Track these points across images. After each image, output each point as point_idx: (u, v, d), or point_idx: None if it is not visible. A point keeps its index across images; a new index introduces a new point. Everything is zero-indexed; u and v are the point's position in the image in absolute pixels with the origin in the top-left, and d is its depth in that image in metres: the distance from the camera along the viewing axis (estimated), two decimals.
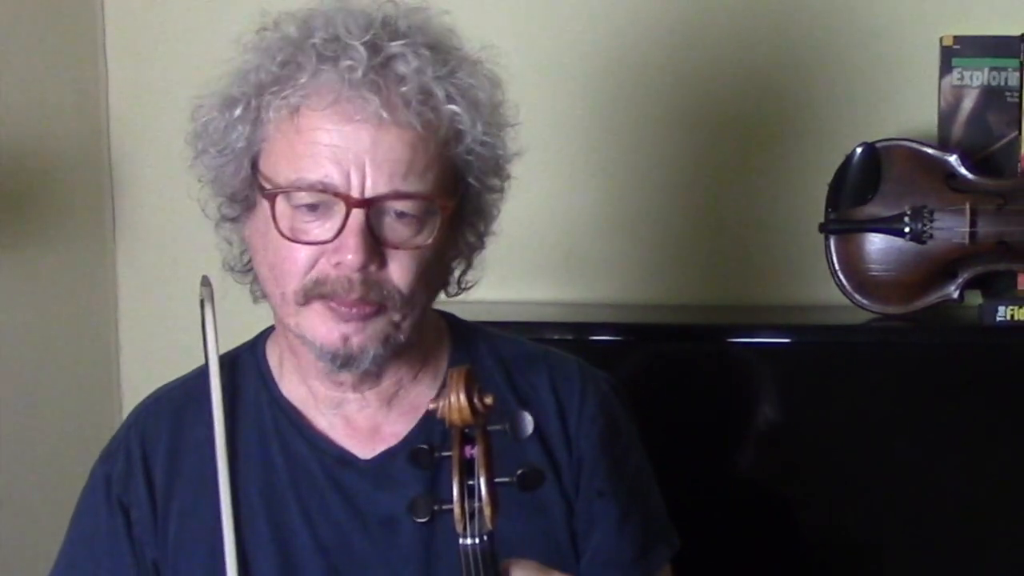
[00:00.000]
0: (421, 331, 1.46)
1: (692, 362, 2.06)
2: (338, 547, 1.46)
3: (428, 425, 1.46)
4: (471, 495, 1.20)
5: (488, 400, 1.20)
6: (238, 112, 1.40)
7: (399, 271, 1.38)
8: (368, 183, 1.35)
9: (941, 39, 2.16)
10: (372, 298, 1.37)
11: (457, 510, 1.20)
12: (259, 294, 1.50)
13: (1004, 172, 2.14)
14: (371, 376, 1.46)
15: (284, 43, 1.39)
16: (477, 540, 1.20)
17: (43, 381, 2.27)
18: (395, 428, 1.49)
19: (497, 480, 1.21)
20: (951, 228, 2.07)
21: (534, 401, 1.51)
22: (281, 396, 1.51)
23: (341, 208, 1.35)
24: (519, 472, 1.22)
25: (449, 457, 1.21)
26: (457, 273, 1.52)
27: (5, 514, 2.15)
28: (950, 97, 2.16)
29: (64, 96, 2.34)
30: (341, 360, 1.40)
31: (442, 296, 1.52)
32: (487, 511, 1.19)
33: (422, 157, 1.37)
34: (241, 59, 1.42)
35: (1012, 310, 2.03)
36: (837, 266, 2.12)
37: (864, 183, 2.10)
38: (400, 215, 1.37)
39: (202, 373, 1.49)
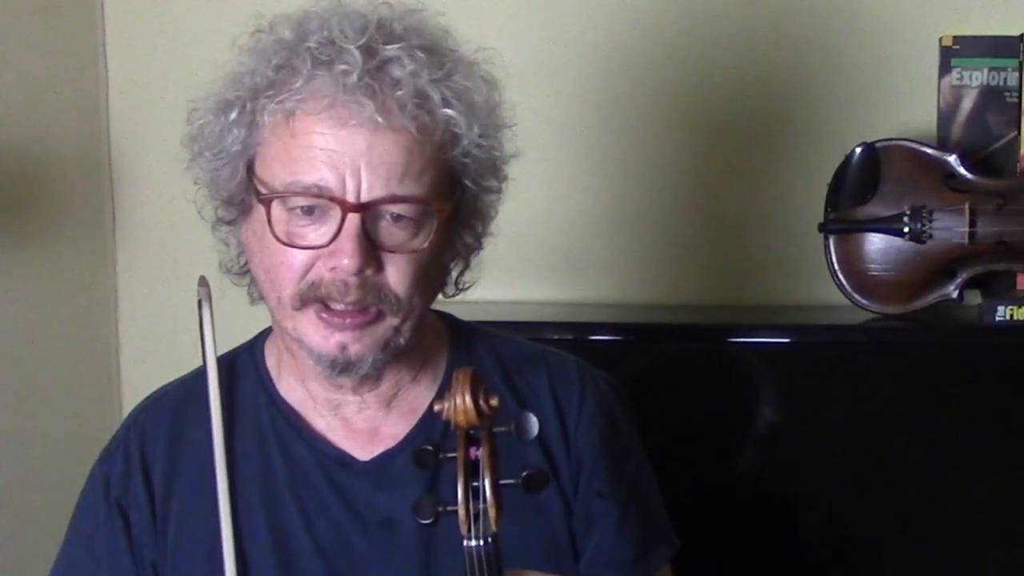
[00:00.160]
0: (420, 333, 1.46)
1: (692, 362, 2.06)
2: (337, 548, 1.46)
3: (427, 426, 1.46)
4: (476, 497, 1.20)
5: (494, 402, 1.20)
6: (233, 116, 1.39)
7: (396, 275, 1.38)
8: (364, 187, 1.35)
9: (940, 39, 2.16)
10: (369, 302, 1.37)
11: (462, 512, 1.20)
12: (256, 296, 1.50)
13: (1003, 172, 2.14)
14: (370, 379, 1.46)
15: (279, 46, 1.39)
16: (481, 542, 1.20)
17: (43, 381, 2.27)
18: (394, 429, 1.49)
19: (502, 482, 1.20)
20: (950, 228, 2.07)
21: (533, 402, 1.51)
22: (279, 397, 1.51)
23: (336, 212, 1.35)
24: (524, 474, 1.21)
25: (452, 458, 1.21)
26: (455, 274, 1.52)
27: (5, 514, 2.15)
28: (949, 97, 2.16)
29: (64, 96, 2.34)
30: (339, 367, 1.40)
31: (440, 296, 1.52)
32: (492, 513, 1.19)
33: (418, 160, 1.37)
34: (236, 62, 1.41)
35: (1011, 310, 2.03)
36: (837, 266, 2.12)
37: (864, 183, 2.10)
38: (396, 218, 1.37)
39: (201, 374, 1.49)
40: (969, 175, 2.08)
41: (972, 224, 2.06)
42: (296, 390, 1.51)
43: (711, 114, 2.29)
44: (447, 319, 1.57)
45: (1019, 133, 2.13)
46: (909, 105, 2.22)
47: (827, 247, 2.12)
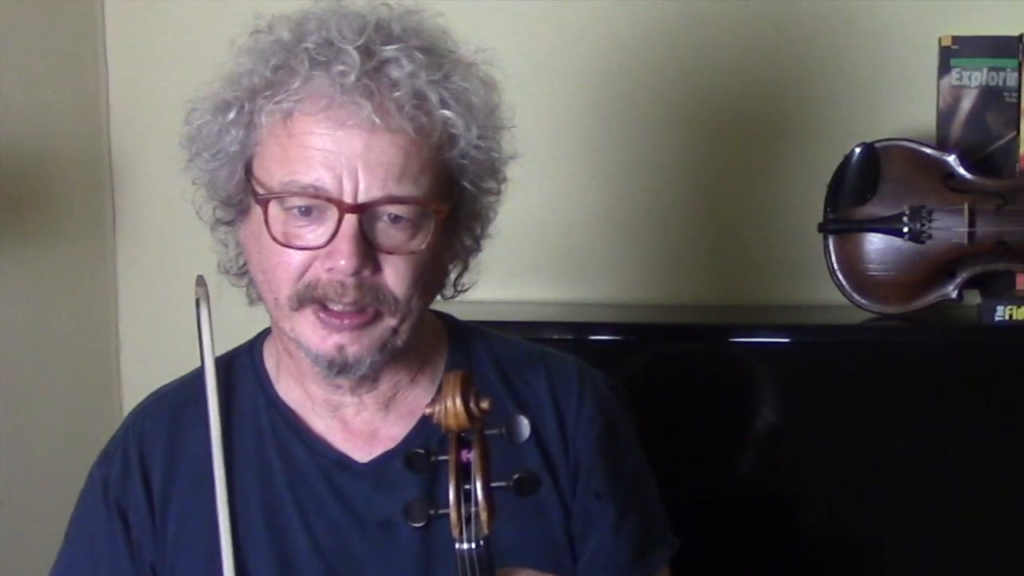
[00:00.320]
0: (419, 334, 1.46)
1: (691, 362, 2.06)
2: (336, 550, 1.46)
3: (426, 428, 1.45)
4: (467, 499, 1.19)
5: (484, 404, 1.20)
6: (231, 116, 1.39)
7: (394, 276, 1.38)
8: (361, 188, 1.35)
9: (940, 39, 2.16)
10: (366, 302, 1.37)
11: (453, 515, 1.19)
12: (255, 296, 1.49)
13: (1003, 172, 2.14)
14: (368, 380, 1.46)
15: (277, 47, 1.39)
16: (473, 545, 1.19)
17: (43, 381, 2.28)
18: (392, 431, 1.49)
19: (494, 485, 1.20)
20: (950, 228, 2.07)
21: (531, 402, 1.51)
22: (278, 398, 1.51)
23: (334, 213, 1.35)
24: (515, 477, 1.21)
25: (444, 461, 1.21)
26: (453, 276, 1.52)
27: (5, 514, 2.16)
28: (949, 97, 2.16)
29: (64, 96, 2.34)
30: (337, 368, 1.40)
31: (438, 297, 1.52)
32: (484, 516, 1.19)
33: (415, 161, 1.37)
34: (234, 62, 1.41)
35: (1011, 310, 2.03)
36: (836, 266, 2.12)
37: (863, 183, 2.10)
38: (394, 220, 1.37)
39: (200, 374, 1.49)
40: (968, 175, 2.09)
41: (971, 224, 2.06)
42: (295, 391, 1.51)
43: (711, 114, 2.29)
44: (446, 320, 1.57)
45: (1018, 133, 2.13)
46: (908, 105, 2.22)
47: (826, 247, 2.12)
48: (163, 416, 1.52)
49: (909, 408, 2.01)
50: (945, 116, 2.17)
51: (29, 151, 2.21)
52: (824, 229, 2.12)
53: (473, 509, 1.19)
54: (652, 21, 2.28)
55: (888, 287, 2.11)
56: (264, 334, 1.56)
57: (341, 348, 1.39)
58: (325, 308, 1.38)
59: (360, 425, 1.49)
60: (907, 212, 2.08)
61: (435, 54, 1.40)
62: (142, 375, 2.36)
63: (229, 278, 1.52)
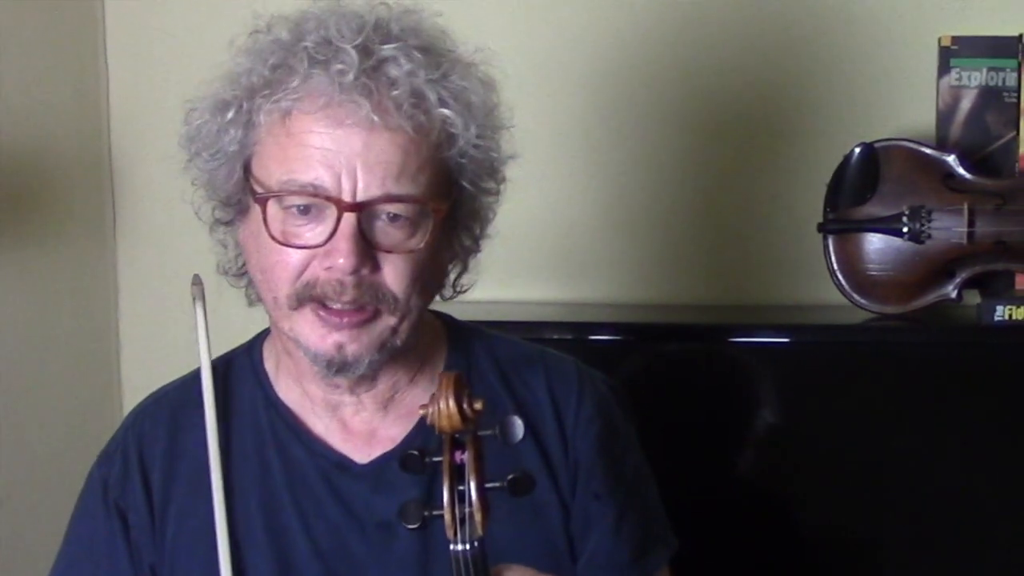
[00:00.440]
0: (417, 334, 1.46)
1: (691, 362, 2.06)
2: (336, 552, 1.46)
3: (425, 429, 1.44)
4: (461, 501, 1.20)
5: (478, 405, 1.20)
6: (230, 115, 1.40)
7: (393, 275, 1.38)
8: (360, 186, 1.35)
9: (939, 39, 2.16)
10: (365, 301, 1.37)
11: (448, 516, 1.20)
12: (254, 298, 1.50)
13: (1002, 172, 2.14)
14: (367, 379, 1.45)
15: (276, 46, 1.39)
16: (468, 546, 1.20)
17: (43, 381, 2.28)
18: (391, 432, 1.48)
19: (488, 485, 1.20)
20: (949, 228, 2.07)
21: (531, 402, 1.51)
22: (277, 399, 1.51)
23: (332, 212, 1.35)
24: (510, 477, 1.21)
25: (440, 462, 1.21)
26: (453, 276, 1.51)
27: (5, 514, 2.16)
28: (948, 97, 2.16)
29: (65, 96, 2.34)
30: (336, 367, 1.40)
31: (437, 298, 1.52)
32: (478, 517, 1.19)
33: (414, 160, 1.37)
34: (233, 62, 1.42)
35: (1010, 310, 2.03)
36: (836, 266, 2.12)
37: (863, 183, 2.10)
38: (393, 218, 1.37)
39: (198, 374, 1.49)
40: (968, 175, 2.09)
41: (971, 224, 2.06)
42: (294, 391, 1.50)
43: (711, 114, 2.29)
44: (445, 320, 1.57)
45: (1018, 133, 2.13)
46: (908, 105, 2.22)
47: (826, 247, 2.12)
48: (163, 417, 1.52)
49: (909, 408, 2.01)
50: (945, 116, 2.17)
51: (29, 151, 2.21)
52: (824, 229, 2.12)
53: (467, 510, 1.19)
54: (652, 21, 2.28)
55: (888, 287, 2.11)
56: (263, 334, 1.56)
57: (340, 347, 1.39)
58: (324, 307, 1.38)
59: (359, 425, 1.49)
60: (907, 212, 2.08)
61: (434, 53, 1.40)
62: (142, 375, 2.36)
63: (228, 279, 1.52)
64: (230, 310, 1.54)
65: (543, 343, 1.62)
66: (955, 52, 2.15)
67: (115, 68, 2.42)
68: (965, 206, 2.06)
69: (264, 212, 1.38)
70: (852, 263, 2.11)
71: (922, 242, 2.08)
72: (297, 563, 1.46)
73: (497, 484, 1.21)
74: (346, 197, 1.35)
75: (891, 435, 2.00)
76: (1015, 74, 2.13)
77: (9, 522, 2.16)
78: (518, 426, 1.22)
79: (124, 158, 2.42)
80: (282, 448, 1.49)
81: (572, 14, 2.30)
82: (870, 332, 2.09)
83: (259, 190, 1.39)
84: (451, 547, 1.20)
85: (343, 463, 1.48)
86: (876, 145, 2.10)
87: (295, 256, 1.37)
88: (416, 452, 1.22)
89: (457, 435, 1.21)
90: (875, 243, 2.10)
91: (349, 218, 1.35)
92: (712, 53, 2.28)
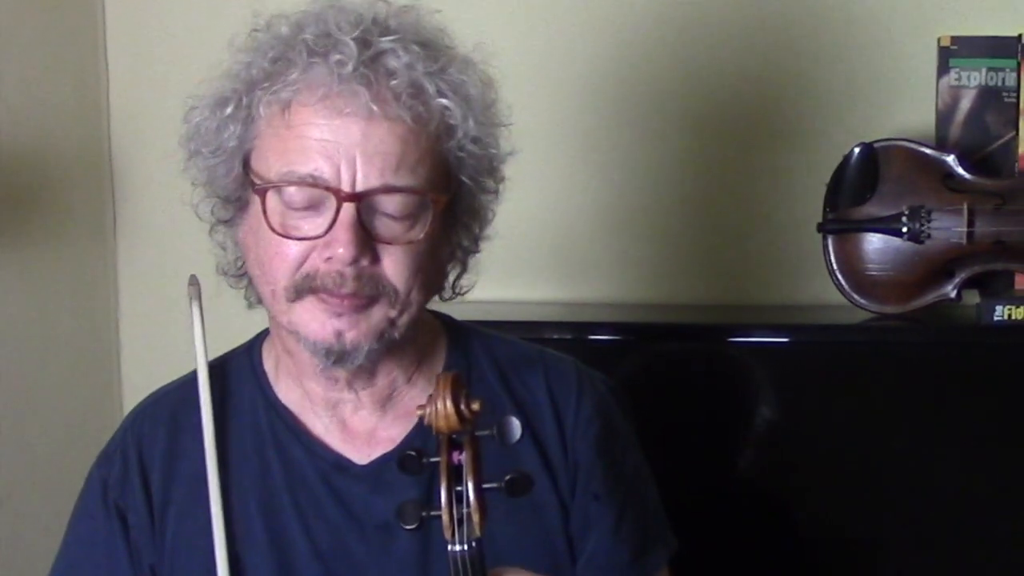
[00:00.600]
0: (416, 331, 1.46)
1: (691, 362, 2.06)
2: (335, 553, 1.46)
3: (424, 430, 1.44)
4: (459, 501, 1.20)
5: (475, 406, 1.20)
6: (229, 110, 1.40)
7: (393, 266, 1.38)
8: (359, 177, 1.35)
9: (939, 40, 2.16)
10: (365, 292, 1.37)
11: (445, 517, 1.20)
12: (253, 300, 1.50)
13: (1002, 172, 2.14)
14: (365, 372, 1.45)
15: (276, 41, 1.40)
16: (465, 547, 1.20)
17: (44, 380, 2.28)
18: (391, 432, 1.48)
19: (485, 486, 1.20)
20: (949, 228, 2.07)
21: (530, 403, 1.51)
22: (277, 400, 1.51)
23: (332, 203, 1.35)
24: (507, 478, 1.21)
25: (436, 463, 1.21)
26: (452, 277, 1.52)
27: (5, 513, 2.16)
28: (948, 97, 2.16)
29: (65, 96, 2.34)
30: (335, 356, 1.39)
31: (437, 298, 1.52)
32: (475, 517, 1.19)
33: (413, 151, 1.37)
34: (232, 60, 1.42)
35: (1010, 309, 2.03)
36: (835, 266, 2.12)
37: (862, 183, 2.10)
38: (392, 215, 1.37)
39: (197, 375, 1.49)
40: (967, 175, 2.09)
41: (970, 224, 2.06)
42: (294, 392, 1.51)
43: (710, 114, 2.29)
44: (444, 320, 1.57)
45: (1017, 133, 2.13)
46: (907, 105, 2.22)
47: (826, 247, 2.12)
48: (162, 417, 1.52)
49: (908, 408, 2.01)
50: (944, 116, 2.17)
51: (29, 151, 2.21)
52: (823, 229, 2.12)
53: (465, 511, 1.19)
54: (652, 21, 2.28)
55: (887, 287, 2.11)
56: (263, 335, 1.56)
57: (340, 334, 1.38)
58: (325, 293, 1.38)
59: (358, 424, 1.49)
60: (906, 212, 2.08)
61: (432, 48, 1.41)
62: (142, 375, 2.36)
63: (227, 279, 1.52)
64: (229, 311, 1.54)
65: (542, 343, 1.62)
66: (954, 52, 2.15)
67: (115, 68, 2.42)
68: (964, 206, 2.06)
69: (264, 204, 1.38)
70: (852, 263, 2.11)
71: (922, 242, 2.08)
72: (297, 564, 1.46)
73: (495, 485, 1.21)
74: (345, 187, 1.35)
75: (890, 435, 2.00)
76: (1014, 74, 2.13)
77: (9, 522, 2.16)
78: (515, 426, 1.22)
79: (124, 158, 2.42)
80: (281, 449, 1.49)
81: (572, 14, 2.30)
82: (869, 332, 2.10)
83: (258, 182, 1.39)
84: (448, 548, 1.20)
85: (342, 464, 1.48)
86: (876, 145, 2.10)
87: (294, 248, 1.38)
88: (414, 453, 1.22)
89: (454, 436, 1.21)
90: (875, 243, 2.10)
91: (348, 208, 1.35)
92: (712, 53, 2.28)
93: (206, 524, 1.45)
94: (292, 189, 1.37)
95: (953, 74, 2.16)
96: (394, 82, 1.36)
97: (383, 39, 1.38)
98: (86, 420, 2.35)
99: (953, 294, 2.09)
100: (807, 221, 2.16)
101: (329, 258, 1.36)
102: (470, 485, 1.19)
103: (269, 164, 1.39)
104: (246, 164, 1.41)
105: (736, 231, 2.31)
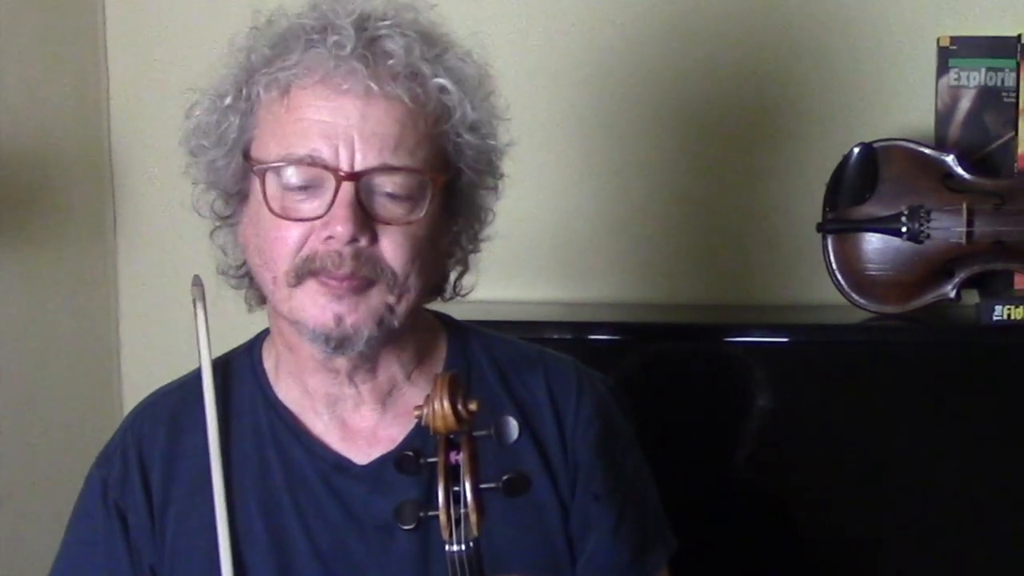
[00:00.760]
0: (416, 324, 1.47)
1: (690, 361, 2.06)
2: (335, 553, 1.46)
3: (424, 430, 1.44)
4: (457, 501, 1.20)
5: (472, 406, 1.20)
6: (229, 101, 1.41)
7: (391, 248, 1.38)
8: (357, 157, 1.36)
9: (938, 40, 2.16)
10: (364, 274, 1.37)
11: (443, 517, 1.20)
12: (254, 302, 1.51)
13: (1001, 172, 2.14)
14: (366, 364, 1.45)
15: (275, 32, 1.42)
16: (463, 547, 1.20)
17: (44, 380, 2.28)
18: (390, 432, 1.48)
19: (483, 486, 1.20)
20: (948, 228, 2.07)
21: (530, 403, 1.51)
22: (277, 400, 1.51)
23: (331, 184, 1.36)
24: (505, 478, 1.21)
25: (433, 463, 1.21)
26: (453, 277, 1.52)
27: (5, 513, 2.16)
28: (947, 97, 2.17)
29: (65, 96, 2.34)
30: (335, 341, 1.39)
31: (437, 298, 1.53)
32: (473, 517, 1.19)
33: (411, 134, 1.38)
34: (232, 56, 1.44)
35: (1009, 309, 2.03)
36: (835, 266, 2.12)
37: (861, 183, 2.10)
38: (391, 196, 1.38)
39: (198, 375, 1.49)
40: (967, 175, 2.09)
41: (970, 224, 2.06)
42: (294, 391, 1.51)
43: (709, 114, 2.29)
44: (444, 319, 1.57)
45: (1016, 133, 2.13)
46: (907, 105, 2.23)
47: (825, 247, 2.12)
48: (162, 417, 1.52)
49: (907, 407, 2.01)
50: (943, 116, 2.17)
51: (29, 151, 2.21)
52: (823, 229, 2.12)
53: (462, 511, 1.19)
54: (651, 21, 2.28)
55: (886, 287, 2.11)
56: (263, 335, 1.56)
57: (339, 319, 1.38)
58: (324, 275, 1.38)
59: (359, 422, 1.49)
60: (905, 212, 2.08)
61: (429, 36, 1.43)
62: (142, 375, 2.36)
63: (228, 280, 1.52)
64: (230, 311, 1.54)
65: (542, 343, 1.62)
66: (954, 52, 2.15)
67: (115, 68, 2.42)
68: (964, 206, 2.06)
69: (263, 186, 1.39)
70: (851, 263, 2.11)
71: (921, 242, 2.08)
72: (297, 564, 1.46)
73: (492, 485, 1.21)
74: (344, 167, 1.36)
75: (890, 434, 2.00)
76: (1014, 74, 2.13)
77: (9, 522, 2.16)
78: (513, 426, 1.22)
79: (124, 158, 2.42)
80: (281, 449, 1.49)
81: (572, 13, 2.30)
82: (869, 332, 2.10)
83: (258, 166, 1.40)
84: (446, 548, 1.20)
85: (342, 464, 1.48)
86: (875, 145, 2.10)
87: (294, 231, 1.38)
88: (411, 453, 1.23)
89: (452, 436, 1.21)
90: (874, 243, 2.11)
91: (347, 187, 1.36)
92: (711, 53, 2.28)
93: (206, 524, 1.45)
94: (291, 170, 1.38)
95: (952, 74, 2.16)
96: (391, 62, 1.38)
97: (381, 23, 1.40)
98: (86, 420, 2.35)
99: (952, 294, 2.09)
100: (807, 221, 2.16)
101: (328, 238, 1.37)
102: (467, 485, 1.19)
103: (269, 149, 1.40)
104: (246, 154, 1.42)
105: (736, 231, 2.31)
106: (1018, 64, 2.12)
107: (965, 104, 2.16)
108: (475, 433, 1.22)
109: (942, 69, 2.16)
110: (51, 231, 2.28)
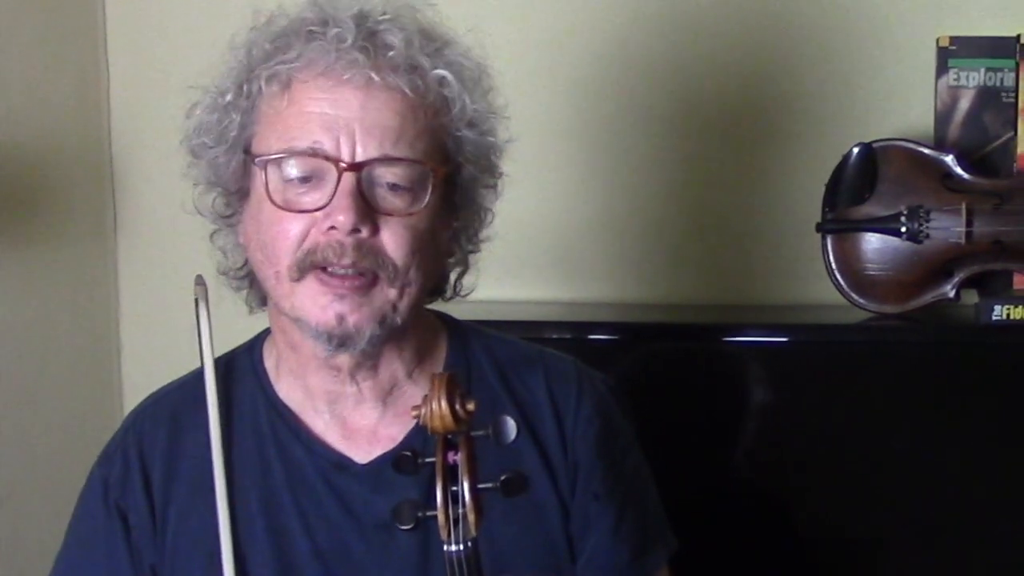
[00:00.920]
0: (417, 323, 1.47)
1: (689, 361, 2.06)
2: (336, 552, 1.46)
3: (424, 430, 1.45)
4: (455, 501, 1.20)
5: (470, 406, 1.20)
6: (230, 97, 1.42)
7: (392, 241, 1.39)
8: (358, 149, 1.37)
9: (937, 40, 2.16)
10: (365, 265, 1.38)
11: (441, 517, 1.20)
12: (254, 304, 1.51)
13: (1000, 172, 2.14)
14: (368, 362, 1.45)
15: (275, 29, 1.43)
16: (461, 547, 1.20)
17: (44, 380, 2.28)
18: (391, 431, 1.49)
19: (481, 486, 1.20)
20: (947, 228, 2.08)
21: (530, 403, 1.51)
22: (277, 399, 1.51)
23: (332, 175, 1.37)
24: (503, 478, 1.21)
25: (431, 463, 1.21)
26: (453, 277, 1.53)
27: (6, 513, 2.16)
28: (946, 97, 2.17)
29: (65, 95, 2.34)
30: (337, 339, 1.39)
31: (438, 299, 1.53)
32: (471, 517, 1.19)
33: (411, 127, 1.39)
34: (232, 55, 1.44)
35: (1008, 309, 2.03)
36: (834, 265, 2.12)
37: (861, 183, 2.10)
38: (392, 187, 1.38)
39: (199, 375, 1.50)
40: (966, 175, 2.09)
41: (969, 224, 2.07)
42: (295, 390, 1.51)
43: (709, 114, 2.29)
44: (444, 319, 1.57)
45: (1016, 133, 2.13)
46: (906, 105, 2.23)
47: (824, 247, 2.12)
48: (163, 417, 1.53)
49: (907, 407, 2.01)
50: (943, 116, 2.17)
51: (30, 151, 2.21)
52: (822, 229, 2.12)
53: (460, 511, 1.19)
54: (651, 21, 2.29)
55: (886, 287, 2.11)
56: (263, 334, 1.56)
57: (342, 318, 1.39)
58: (325, 273, 1.38)
59: (359, 421, 1.49)
60: (905, 212, 2.08)
61: (429, 32, 1.44)
62: (143, 375, 2.36)
63: (228, 281, 1.52)
64: (230, 312, 1.55)
65: (542, 342, 1.62)
66: (953, 52, 2.16)
67: (116, 67, 2.42)
68: (963, 206, 2.07)
69: (266, 179, 1.39)
70: (850, 263, 2.12)
71: (920, 242, 2.08)
72: (297, 563, 1.46)
73: (490, 485, 1.21)
74: (345, 158, 1.37)
75: (889, 434, 2.00)
76: (1013, 74, 2.13)
77: (9, 522, 2.16)
78: (510, 426, 1.22)
79: (125, 158, 2.42)
80: (282, 448, 1.49)
81: (571, 13, 2.30)
82: (868, 332, 2.10)
83: (260, 159, 1.41)
84: (444, 547, 1.20)
85: (343, 463, 1.48)
86: (874, 145, 2.11)
87: (296, 224, 1.38)
88: (409, 453, 1.23)
89: (450, 436, 1.21)
90: (873, 243, 2.11)
91: (349, 178, 1.36)
92: (711, 53, 2.28)
93: (208, 523, 1.45)
94: (292, 162, 1.38)
95: (952, 74, 2.16)
96: (391, 54, 1.39)
97: (381, 18, 1.41)
98: (86, 420, 2.35)
99: (952, 294, 2.09)
100: (806, 221, 2.16)
101: (330, 228, 1.37)
102: (465, 485, 1.20)
103: (270, 143, 1.40)
104: (247, 150, 1.43)
105: (735, 231, 2.31)
106: (1017, 64, 2.12)
107: (964, 104, 2.16)
108: (473, 433, 1.22)
109: (941, 69, 2.16)
110: (51, 231, 2.29)
